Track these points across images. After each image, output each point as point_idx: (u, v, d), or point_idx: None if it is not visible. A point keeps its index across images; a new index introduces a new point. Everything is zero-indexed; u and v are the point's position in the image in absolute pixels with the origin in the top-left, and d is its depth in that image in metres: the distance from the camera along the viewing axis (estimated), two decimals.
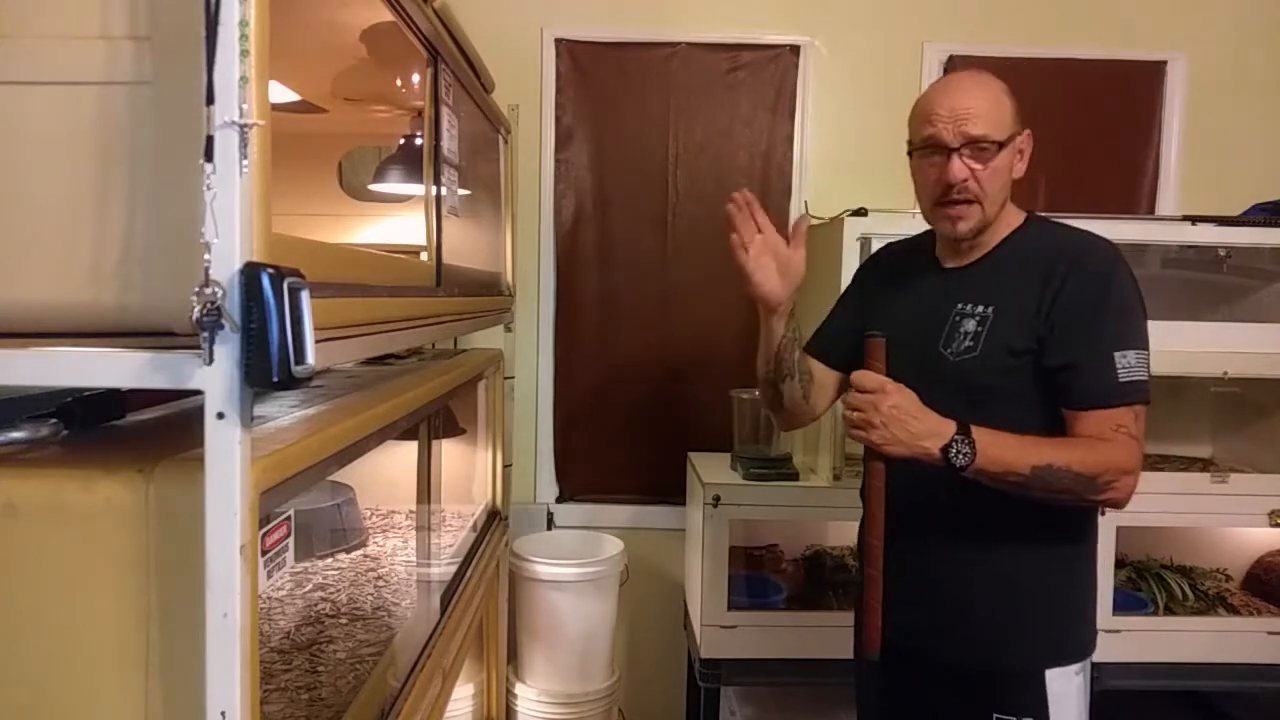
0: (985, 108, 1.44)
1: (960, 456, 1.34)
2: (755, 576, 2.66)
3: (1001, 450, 1.35)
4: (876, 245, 2.36)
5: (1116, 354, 1.39)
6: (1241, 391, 2.54)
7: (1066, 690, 1.47)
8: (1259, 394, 2.57)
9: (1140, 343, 1.40)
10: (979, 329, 1.47)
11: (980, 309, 1.48)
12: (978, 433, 1.35)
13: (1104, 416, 1.39)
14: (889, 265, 1.71)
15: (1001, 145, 1.44)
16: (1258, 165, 2.97)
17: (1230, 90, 2.98)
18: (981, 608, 1.50)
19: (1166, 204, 2.95)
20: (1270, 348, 2.33)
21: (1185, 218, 2.39)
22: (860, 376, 1.40)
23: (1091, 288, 1.42)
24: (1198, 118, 2.98)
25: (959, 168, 1.44)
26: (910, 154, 1.52)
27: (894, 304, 1.62)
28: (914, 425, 1.36)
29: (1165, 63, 2.97)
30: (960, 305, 1.51)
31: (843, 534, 2.74)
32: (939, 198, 1.48)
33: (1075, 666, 1.48)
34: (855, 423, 1.40)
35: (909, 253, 1.66)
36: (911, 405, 1.37)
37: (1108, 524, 2.19)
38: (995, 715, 1.49)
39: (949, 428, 1.35)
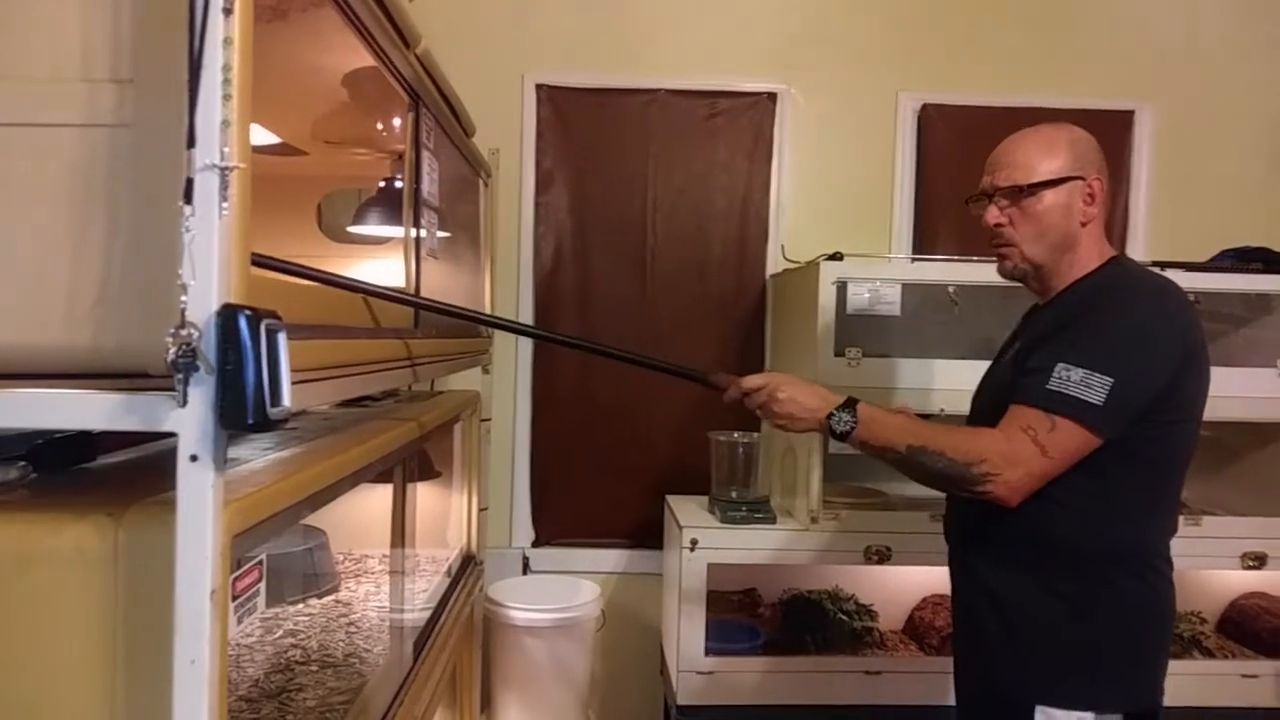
0: (1020, 158, 1.52)
1: (840, 424, 1.49)
2: (733, 621, 2.64)
3: (883, 427, 1.48)
4: (853, 289, 2.40)
5: (1060, 364, 1.38)
6: (1214, 435, 2.57)
7: None
8: (1231, 437, 2.60)
9: (1101, 367, 1.36)
10: (1010, 360, 1.56)
11: (1017, 344, 1.57)
12: (866, 408, 1.50)
13: (1016, 412, 1.41)
14: (1029, 313, 1.73)
15: (1032, 189, 1.49)
16: (1224, 212, 3.04)
17: (1196, 139, 3.06)
18: (994, 629, 1.54)
19: (1136, 250, 3.01)
20: (1241, 392, 2.36)
21: (1154, 263, 2.43)
22: (745, 380, 1.58)
23: (1089, 310, 1.44)
24: (1165, 166, 3.05)
25: (990, 213, 1.55)
26: None
27: (1006, 341, 1.72)
28: (806, 402, 1.53)
29: (1133, 112, 3.04)
30: (1014, 342, 1.61)
31: (821, 577, 2.73)
32: (988, 241, 1.59)
33: (1080, 715, 1.43)
34: (764, 415, 1.58)
35: None
36: (799, 386, 1.55)
37: None
38: None
39: (834, 400, 1.52)
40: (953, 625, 1.72)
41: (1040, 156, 1.50)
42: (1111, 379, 1.35)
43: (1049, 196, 1.49)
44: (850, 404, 1.50)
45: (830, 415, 1.50)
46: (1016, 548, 1.50)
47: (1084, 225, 1.51)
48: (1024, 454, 1.38)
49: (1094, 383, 1.36)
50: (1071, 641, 1.46)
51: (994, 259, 1.60)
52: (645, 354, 1.65)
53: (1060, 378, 1.37)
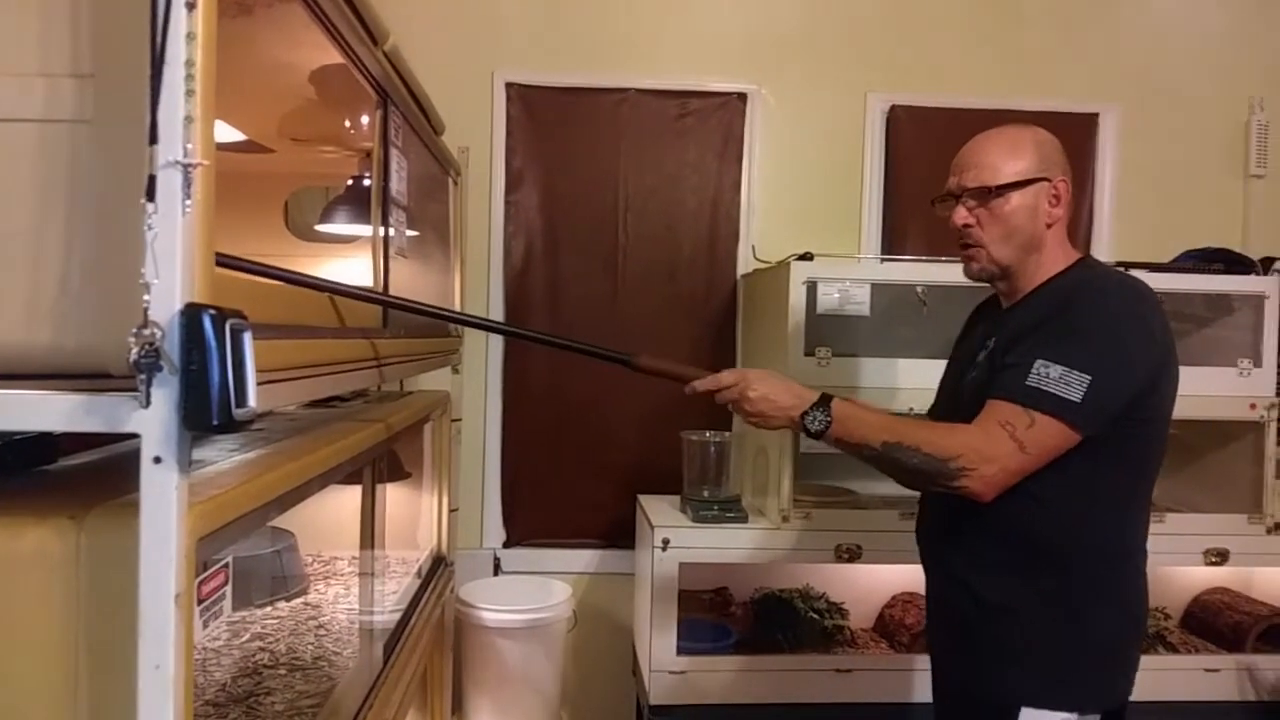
0: (987, 159, 1.51)
1: (814, 423, 1.48)
2: (704, 620, 2.64)
3: (858, 424, 1.47)
4: (822, 289, 2.41)
5: (1039, 361, 1.38)
6: (1177, 433, 2.60)
7: None
8: (1193, 436, 2.63)
9: (1079, 365, 1.36)
10: (985, 359, 1.54)
11: (990, 342, 1.55)
12: (840, 405, 1.49)
13: (995, 408, 1.41)
14: (982, 309, 1.75)
15: (1000, 190, 1.49)
16: (1187, 213, 3.09)
17: (1160, 141, 3.11)
18: (977, 632, 1.53)
19: (1100, 250, 3.05)
20: (1203, 391, 2.39)
21: (1118, 264, 2.47)
22: (720, 376, 1.56)
23: (1064, 309, 1.44)
24: (1129, 168, 3.09)
25: (958, 214, 1.55)
26: None
27: (960, 343, 1.73)
28: (779, 400, 1.51)
29: (1098, 114, 3.08)
30: (986, 341, 1.57)
31: (792, 576, 2.74)
32: (956, 242, 1.58)
33: (1066, 715, 1.44)
34: (736, 412, 1.56)
35: (997, 298, 1.69)
36: (772, 382, 1.53)
37: None
38: None
39: (809, 398, 1.50)
40: (928, 625, 1.71)
41: (1006, 158, 1.51)
42: (1089, 376, 1.36)
43: (1016, 198, 1.50)
44: (824, 401, 1.49)
45: (804, 414, 1.49)
46: (999, 548, 1.49)
47: (1049, 226, 1.52)
48: (1001, 450, 1.38)
49: (1072, 380, 1.36)
50: (1057, 641, 1.46)
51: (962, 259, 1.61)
52: (558, 334, 1.65)
53: (1039, 374, 1.37)
